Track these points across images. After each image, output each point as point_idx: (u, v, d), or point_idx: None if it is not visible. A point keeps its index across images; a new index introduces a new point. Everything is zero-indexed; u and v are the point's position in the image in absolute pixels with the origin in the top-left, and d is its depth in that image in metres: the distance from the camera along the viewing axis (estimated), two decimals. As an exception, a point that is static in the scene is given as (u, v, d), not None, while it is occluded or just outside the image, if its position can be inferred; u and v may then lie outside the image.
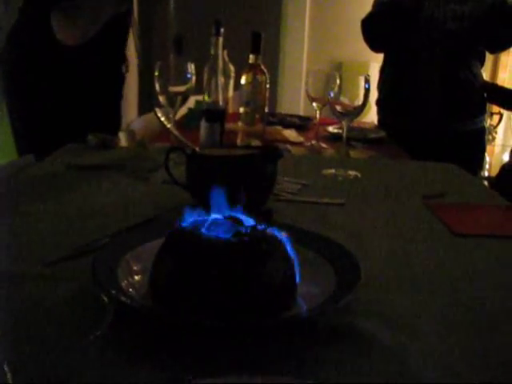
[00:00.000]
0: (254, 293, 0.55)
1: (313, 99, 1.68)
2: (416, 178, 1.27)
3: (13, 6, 1.77)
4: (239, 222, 0.58)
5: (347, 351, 0.52)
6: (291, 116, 2.26)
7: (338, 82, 1.22)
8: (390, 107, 2.23)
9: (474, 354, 0.53)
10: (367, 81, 1.20)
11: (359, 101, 1.21)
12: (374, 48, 2.21)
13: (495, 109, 3.58)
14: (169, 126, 1.13)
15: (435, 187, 1.18)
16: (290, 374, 0.48)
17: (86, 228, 0.83)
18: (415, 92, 2.10)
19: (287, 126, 2.00)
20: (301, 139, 1.79)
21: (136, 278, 0.62)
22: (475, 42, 2.09)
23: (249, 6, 3.50)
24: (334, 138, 1.80)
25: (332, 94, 1.23)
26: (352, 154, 1.58)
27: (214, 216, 0.59)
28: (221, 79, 1.34)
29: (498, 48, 2.30)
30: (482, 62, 2.16)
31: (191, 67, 1.30)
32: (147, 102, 2.51)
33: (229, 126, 1.50)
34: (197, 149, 0.99)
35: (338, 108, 1.23)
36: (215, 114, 1.32)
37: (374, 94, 2.19)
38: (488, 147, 3.37)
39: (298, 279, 0.59)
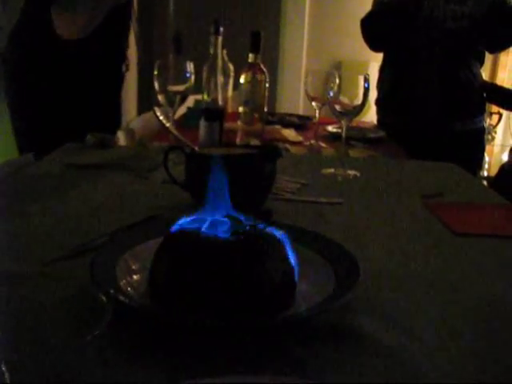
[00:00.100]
0: (252, 292, 0.55)
1: (312, 98, 1.68)
2: (415, 178, 1.27)
3: (11, 6, 1.77)
4: (238, 221, 0.58)
5: (346, 350, 0.52)
6: (290, 115, 2.26)
7: (337, 81, 1.22)
8: (389, 107, 2.23)
9: (474, 354, 0.53)
10: (367, 80, 1.20)
11: (358, 100, 1.21)
12: (374, 47, 2.21)
13: (494, 109, 3.58)
14: (168, 125, 1.13)
15: (434, 187, 1.18)
16: (289, 374, 0.48)
17: (85, 227, 0.82)
18: (414, 91, 2.10)
19: (286, 125, 2.00)
20: (300, 139, 1.79)
21: (134, 277, 0.62)
22: (475, 42, 2.08)
23: (248, 5, 3.50)
24: (333, 138, 1.80)
25: (331, 94, 1.23)
26: (351, 153, 1.58)
27: (212, 215, 0.59)
28: (220, 78, 1.34)
29: (497, 48, 2.30)
30: (481, 62, 2.16)
31: (190, 66, 1.30)
32: (146, 101, 2.51)
33: (228, 125, 1.50)
34: (196, 148, 0.99)
35: (338, 107, 1.23)
36: (214, 114, 1.32)
37: (373, 94, 2.19)
38: (487, 147, 3.37)
39: (296, 278, 0.59)
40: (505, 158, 3.66)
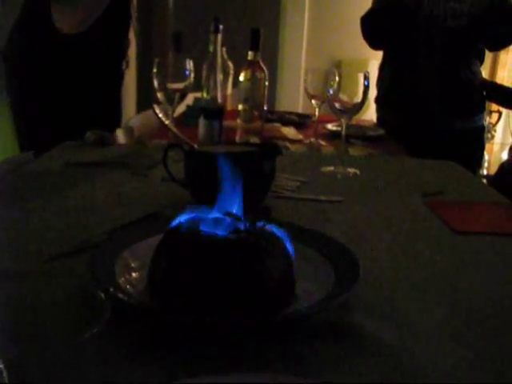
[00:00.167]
0: (252, 290, 0.55)
1: (312, 96, 1.68)
2: (415, 176, 1.27)
3: (10, 3, 1.78)
4: (238, 218, 0.58)
5: (347, 349, 0.52)
6: (290, 113, 2.26)
7: (337, 79, 1.22)
8: (389, 104, 2.22)
9: (475, 353, 0.53)
10: (366, 77, 1.20)
11: (358, 98, 1.21)
12: (374, 45, 2.21)
13: (494, 107, 3.58)
14: (167, 122, 1.13)
15: (434, 185, 1.17)
16: (289, 372, 0.48)
17: (84, 225, 0.82)
18: (414, 89, 2.10)
19: (286, 123, 1.99)
20: (299, 137, 1.79)
21: (134, 274, 0.62)
22: (474, 40, 2.08)
23: (248, 3, 3.49)
24: (332, 136, 1.80)
25: (331, 92, 1.22)
26: (351, 151, 1.58)
27: (212, 213, 0.59)
28: (219, 76, 1.34)
29: (497, 46, 2.29)
30: (481, 60, 2.16)
31: (190, 64, 1.30)
32: (145, 99, 2.51)
33: (227, 123, 1.50)
34: (195, 146, 0.99)
35: (337, 105, 1.23)
36: (214, 111, 1.32)
37: (372, 92, 2.19)
38: (487, 145, 3.37)
39: (296, 276, 0.59)
40: (504, 156, 3.66)
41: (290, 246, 0.59)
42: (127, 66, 1.94)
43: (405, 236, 0.86)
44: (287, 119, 2.08)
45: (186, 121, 1.77)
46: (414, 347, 0.52)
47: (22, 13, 1.75)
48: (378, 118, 2.30)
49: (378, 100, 2.27)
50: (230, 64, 2.04)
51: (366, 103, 1.24)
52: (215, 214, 0.58)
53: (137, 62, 2.43)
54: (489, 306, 0.63)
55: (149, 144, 1.42)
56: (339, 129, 1.50)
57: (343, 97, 1.23)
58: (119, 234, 0.74)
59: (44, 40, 1.70)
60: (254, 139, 1.49)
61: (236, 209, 0.59)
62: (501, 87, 2.36)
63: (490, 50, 2.31)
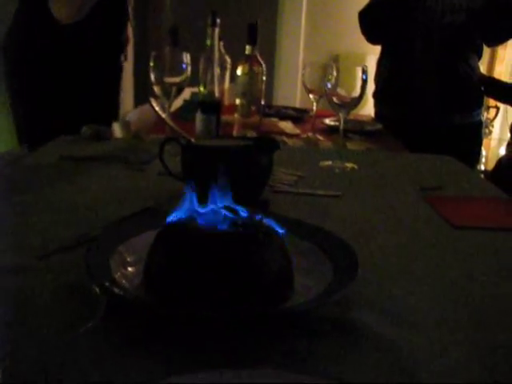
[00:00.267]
0: (250, 284, 0.54)
1: (310, 91, 1.67)
2: (413, 171, 1.26)
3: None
4: (235, 212, 0.57)
5: (346, 344, 0.51)
6: (287, 108, 2.25)
7: (335, 73, 1.21)
8: (386, 98, 2.22)
9: (475, 349, 0.53)
10: (365, 72, 1.19)
11: (356, 92, 1.20)
12: (372, 40, 2.20)
13: (492, 102, 3.58)
14: (163, 115, 1.12)
15: (432, 179, 1.17)
16: (287, 366, 0.47)
17: (80, 220, 0.82)
18: (412, 82, 2.09)
19: (283, 117, 1.99)
20: (297, 131, 1.78)
21: (129, 269, 0.61)
22: (472, 35, 2.08)
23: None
24: (330, 131, 1.79)
25: (329, 86, 1.22)
26: (349, 146, 1.58)
27: (209, 207, 0.58)
28: (217, 70, 1.32)
29: (495, 41, 2.29)
30: (479, 55, 2.15)
31: (187, 58, 1.29)
32: (142, 93, 2.50)
33: (225, 117, 1.49)
34: (192, 139, 0.98)
35: (335, 100, 1.22)
36: (211, 106, 1.31)
37: (370, 87, 2.18)
38: (484, 141, 3.37)
39: (294, 271, 0.58)
40: (502, 151, 3.66)
41: (287, 240, 0.59)
42: (126, 59, 1.93)
43: (403, 231, 0.86)
44: (285, 114, 2.08)
45: (183, 115, 1.77)
46: (414, 342, 0.52)
47: (19, 5, 1.75)
48: (375, 113, 2.29)
49: (375, 94, 2.27)
50: (228, 58, 2.03)
51: (364, 98, 1.23)
52: (213, 208, 0.58)
53: (134, 56, 2.42)
54: (488, 301, 0.63)
55: (146, 138, 1.41)
56: (337, 123, 1.50)
57: (341, 91, 1.22)
58: (115, 229, 0.73)
59: (43, 32, 1.70)
60: (252, 133, 1.49)
61: (228, 202, 0.58)
62: (499, 82, 2.35)
63: (488, 45, 2.31)
